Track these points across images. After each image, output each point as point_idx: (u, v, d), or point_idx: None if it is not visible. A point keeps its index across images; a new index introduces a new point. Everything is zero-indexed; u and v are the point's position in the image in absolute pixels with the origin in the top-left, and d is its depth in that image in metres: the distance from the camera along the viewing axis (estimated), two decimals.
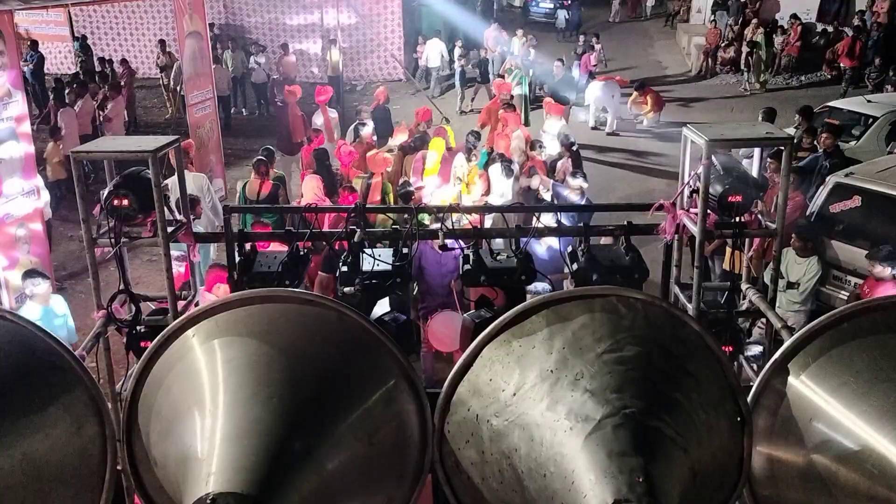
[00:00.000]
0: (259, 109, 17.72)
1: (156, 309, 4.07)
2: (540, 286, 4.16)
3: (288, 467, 2.07)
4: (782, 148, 3.91)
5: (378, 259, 3.71)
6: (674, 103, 17.72)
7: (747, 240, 3.97)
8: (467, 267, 3.74)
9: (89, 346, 3.52)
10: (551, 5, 25.87)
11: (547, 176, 9.45)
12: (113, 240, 3.64)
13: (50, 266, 8.63)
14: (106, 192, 3.63)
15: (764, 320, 3.83)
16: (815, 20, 21.13)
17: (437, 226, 4.00)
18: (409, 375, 2.51)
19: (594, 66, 18.87)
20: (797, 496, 2.46)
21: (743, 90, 18.88)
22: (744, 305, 3.97)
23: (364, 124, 10.81)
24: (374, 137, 10.85)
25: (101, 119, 13.81)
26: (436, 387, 2.52)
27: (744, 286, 4.01)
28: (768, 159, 7.91)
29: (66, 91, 14.38)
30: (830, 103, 13.24)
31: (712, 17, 22.44)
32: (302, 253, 3.95)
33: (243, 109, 17.98)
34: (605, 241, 4.36)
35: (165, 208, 3.75)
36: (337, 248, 4.23)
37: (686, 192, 3.92)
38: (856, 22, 19.32)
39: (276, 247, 4.66)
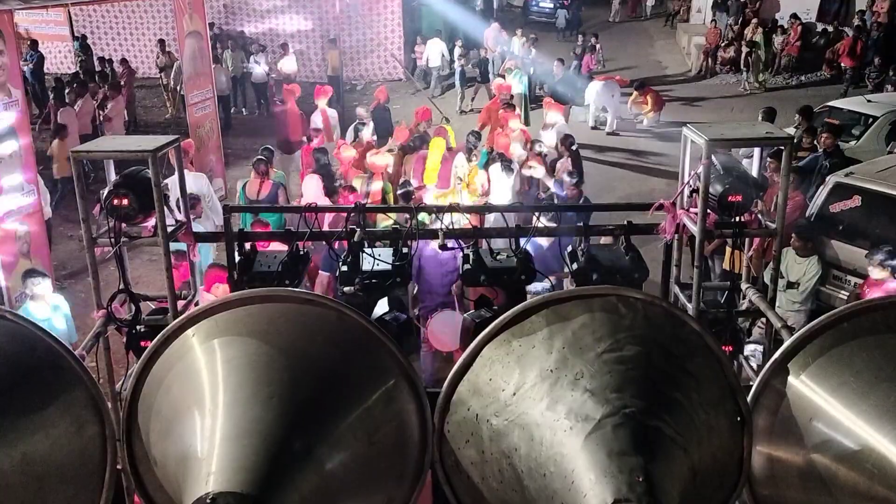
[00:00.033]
0: (259, 109, 17.71)
1: (155, 308, 4.07)
2: (539, 286, 4.16)
3: (288, 467, 2.07)
4: (782, 148, 3.91)
5: (378, 259, 3.71)
6: (674, 103, 17.72)
7: (747, 239, 3.97)
8: (467, 267, 3.74)
9: (89, 346, 3.52)
10: (551, 5, 25.86)
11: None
12: (113, 239, 3.64)
13: (50, 265, 8.64)
14: (106, 191, 3.63)
15: (764, 320, 3.83)
16: (815, 20, 21.13)
17: (437, 225, 4.00)
18: (409, 375, 2.51)
19: (595, 65, 18.88)
20: (797, 496, 2.46)
21: (742, 90, 18.89)
22: (744, 305, 3.97)
23: (364, 124, 10.81)
24: (374, 137, 10.85)
25: (101, 119, 13.81)
26: (436, 386, 2.52)
27: (744, 286, 4.01)
28: (768, 159, 7.91)
29: (66, 91, 14.38)
30: (830, 103, 13.24)
31: (713, 17, 22.45)
32: (302, 252, 3.95)
33: (243, 109, 17.98)
34: (604, 240, 4.36)
35: (165, 208, 3.75)
36: (337, 247, 4.22)
37: (686, 192, 3.92)
38: (856, 22, 19.32)
39: (276, 246, 4.66)
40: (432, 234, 4.02)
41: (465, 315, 3.86)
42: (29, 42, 18.05)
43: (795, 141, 9.80)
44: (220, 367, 2.33)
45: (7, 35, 8.22)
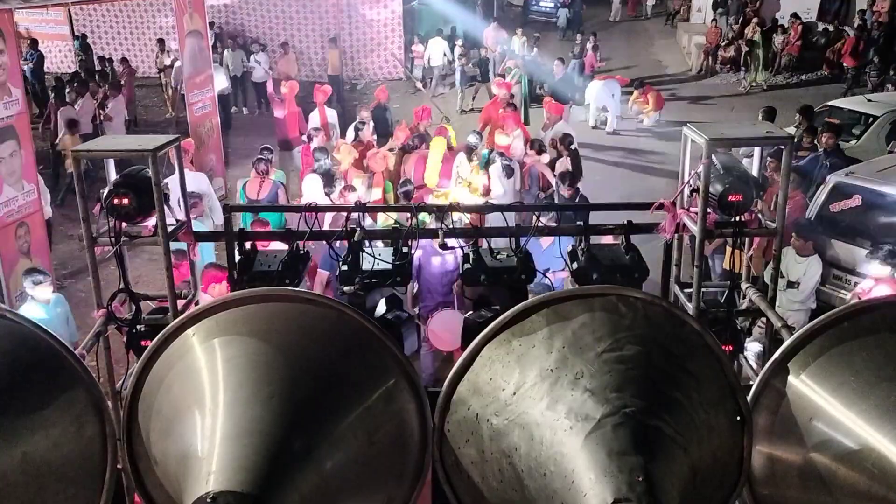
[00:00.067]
0: (259, 109, 17.71)
1: (156, 308, 4.07)
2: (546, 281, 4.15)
3: (288, 466, 2.07)
4: (782, 147, 3.91)
5: (378, 258, 3.71)
6: (674, 102, 17.72)
7: (747, 239, 3.97)
8: (467, 266, 3.74)
9: (89, 345, 3.52)
10: (552, 4, 25.87)
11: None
12: (113, 239, 3.64)
13: (50, 265, 8.64)
14: (106, 191, 3.63)
15: (764, 319, 3.83)
16: (816, 19, 21.12)
17: (437, 225, 4.00)
18: (409, 374, 2.51)
19: (598, 64, 18.90)
20: (797, 495, 2.46)
21: (742, 89, 18.89)
22: (744, 305, 3.97)
23: (364, 124, 10.82)
24: (374, 137, 10.85)
25: (102, 118, 13.81)
26: (436, 386, 2.53)
27: (744, 285, 4.02)
28: (768, 158, 7.91)
29: (67, 90, 14.38)
30: (831, 102, 13.24)
31: (714, 17, 22.44)
32: (302, 252, 3.95)
33: (243, 108, 17.98)
34: (605, 240, 4.36)
35: (165, 207, 3.75)
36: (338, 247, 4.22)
37: (686, 191, 3.92)
38: (857, 21, 19.32)
39: (276, 246, 4.66)
40: (432, 234, 4.02)
41: (466, 315, 3.86)
42: (29, 41, 18.05)
43: (796, 140, 9.80)
44: (221, 366, 2.33)
45: (7, 34, 8.22)
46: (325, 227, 5.25)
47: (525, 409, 2.27)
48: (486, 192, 9.30)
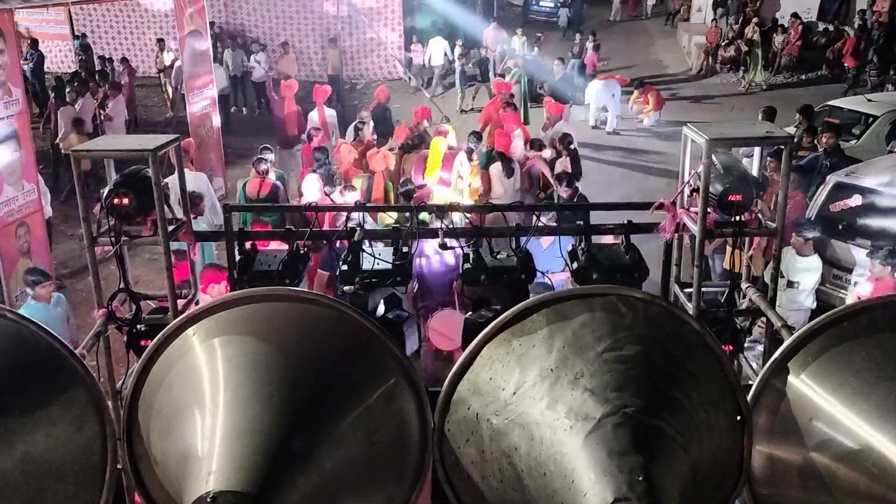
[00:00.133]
0: (259, 108, 17.72)
1: (156, 308, 4.08)
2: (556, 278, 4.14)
3: (288, 466, 2.08)
4: (782, 147, 3.91)
5: (378, 258, 3.71)
6: (674, 102, 17.72)
7: (747, 238, 3.97)
8: (467, 266, 3.74)
9: (90, 345, 3.52)
10: (552, 4, 25.87)
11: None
12: (113, 238, 3.64)
13: (50, 264, 8.64)
14: (106, 190, 3.63)
15: (764, 319, 3.84)
16: (816, 19, 21.12)
17: (437, 224, 4.00)
18: (409, 374, 2.51)
19: (600, 63, 18.91)
20: (797, 495, 2.46)
21: (742, 89, 18.90)
22: (744, 304, 3.97)
23: (364, 123, 10.82)
24: (374, 137, 10.86)
25: (102, 118, 13.81)
26: (436, 385, 2.53)
27: (744, 285, 4.02)
28: (768, 158, 7.92)
29: (67, 90, 14.38)
30: (831, 102, 13.24)
31: (714, 17, 22.44)
32: (302, 252, 3.95)
33: (243, 108, 17.98)
34: (605, 240, 4.37)
35: (166, 207, 3.75)
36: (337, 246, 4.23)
37: (686, 191, 3.92)
38: (858, 21, 19.32)
39: (276, 245, 4.66)
40: (432, 234, 4.02)
41: (467, 315, 3.86)
42: (29, 41, 18.04)
43: (796, 140, 9.80)
44: (221, 366, 2.33)
45: (7, 34, 8.22)
46: (325, 227, 5.25)
47: (525, 409, 2.27)
48: (486, 192, 9.31)
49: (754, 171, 4.04)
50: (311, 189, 8.38)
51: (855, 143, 11.55)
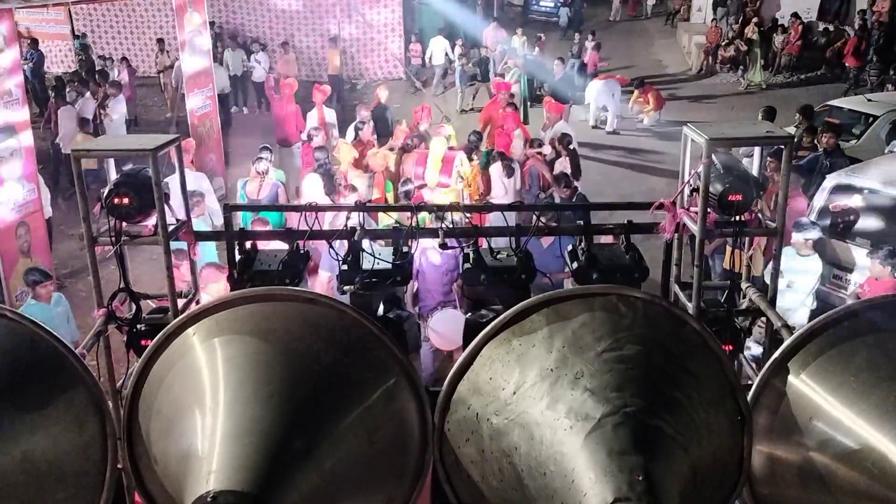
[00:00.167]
0: (259, 108, 17.71)
1: (156, 307, 4.07)
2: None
3: (288, 466, 2.08)
4: (782, 147, 3.91)
5: (378, 258, 3.71)
6: (674, 102, 17.72)
7: (747, 238, 3.97)
8: (467, 266, 3.74)
9: (90, 345, 3.52)
10: (552, 4, 25.86)
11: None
12: (113, 238, 3.64)
13: (50, 264, 8.64)
14: (106, 190, 3.63)
15: (764, 319, 3.83)
16: (816, 19, 21.12)
17: (437, 224, 4.00)
18: (409, 374, 2.51)
19: (601, 63, 18.92)
20: (797, 495, 2.46)
21: (742, 89, 18.90)
22: (744, 304, 3.97)
23: (364, 123, 10.82)
24: (374, 136, 10.86)
25: (102, 117, 13.80)
26: (436, 385, 2.53)
27: (744, 285, 4.01)
28: (768, 158, 7.92)
29: (67, 89, 14.38)
30: (831, 102, 13.24)
31: (714, 17, 22.45)
32: (303, 251, 3.95)
33: (243, 108, 17.98)
34: (605, 240, 4.36)
35: (166, 206, 3.75)
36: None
37: (686, 191, 3.92)
38: (858, 21, 19.32)
39: (277, 245, 4.66)
40: (432, 233, 4.02)
41: (468, 315, 3.86)
42: (29, 41, 18.04)
43: (796, 140, 9.80)
44: (221, 365, 2.33)
45: (7, 34, 8.22)
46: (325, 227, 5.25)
47: (525, 409, 2.28)
48: (487, 192, 9.30)
49: (754, 171, 4.04)
50: (311, 189, 8.38)
51: (855, 143, 11.55)
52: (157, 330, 2.64)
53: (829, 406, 2.39)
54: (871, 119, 12.02)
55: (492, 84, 14.55)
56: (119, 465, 2.57)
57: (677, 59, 22.37)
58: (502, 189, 9.24)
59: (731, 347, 3.68)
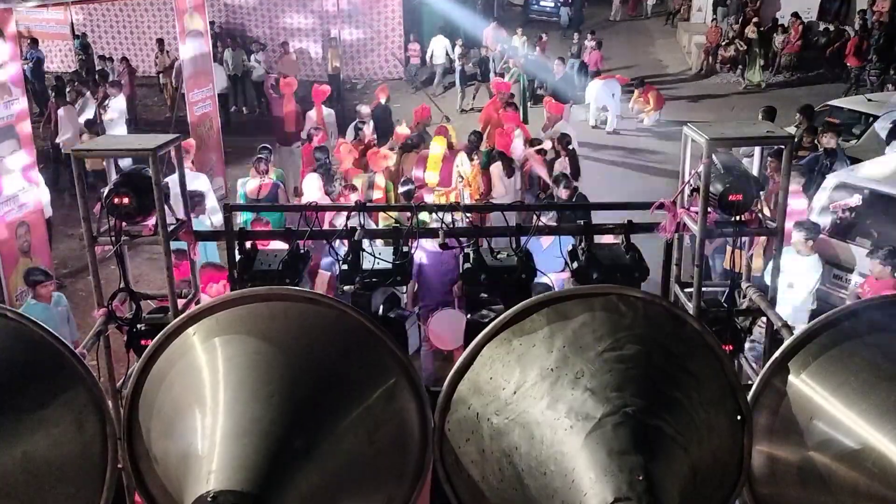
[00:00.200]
0: (259, 108, 17.71)
1: (156, 307, 4.07)
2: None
3: (288, 465, 2.08)
4: (783, 147, 3.91)
5: (378, 258, 3.71)
6: (674, 102, 17.72)
7: (747, 238, 3.97)
8: (467, 266, 3.74)
9: (90, 345, 3.52)
10: (552, 3, 25.88)
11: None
12: (113, 238, 3.64)
13: (51, 264, 8.64)
14: (106, 190, 3.63)
15: (764, 319, 3.83)
16: (816, 19, 21.12)
17: (437, 224, 4.00)
18: (409, 373, 2.51)
19: (603, 63, 18.92)
20: (797, 494, 2.46)
21: (742, 88, 18.90)
22: (744, 304, 3.97)
23: (364, 123, 10.82)
24: (375, 136, 10.86)
25: (102, 117, 13.79)
26: (436, 385, 2.53)
27: (744, 285, 4.01)
28: (768, 158, 7.91)
29: (67, 89, 14.37)
30: (831, 102, 13.24)
31: (714, 16, 22.45)
32: (303, 251, 3.95)
33: (243, 108, 17.98)
34: (605, 240, 4.36)
35: (166, 206, 3.75)
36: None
37: (686, 191, 3.92)
38: (859, 21, 19.32)
39: (277, 245, 4.66)
40: (433, 233, 4.02)
41: (469, 316, 3.86)
42: (29, 41, 18.04)
43: (796, 140, 9.80)
44: (221, 365, 2.33)
45: (7, 34, 8.22)
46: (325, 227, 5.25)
47: (525, 409, 2.28)
48: (487, 192, 9.30)
49: (754, 171, 4.04)
50: (312, 189, 8.38)
51: (855, 143, 11.55)
52: (157, 330, 2.65)
53: (829, 406, 2.39)
54: (871, 119, 12.02)
55: (492, 84, 14.54)
56: (119, 465, 2.57)
57: (677, 59, 22.37)
58: (502, 189, 9.24)
59: (731, 347, 3.68)
